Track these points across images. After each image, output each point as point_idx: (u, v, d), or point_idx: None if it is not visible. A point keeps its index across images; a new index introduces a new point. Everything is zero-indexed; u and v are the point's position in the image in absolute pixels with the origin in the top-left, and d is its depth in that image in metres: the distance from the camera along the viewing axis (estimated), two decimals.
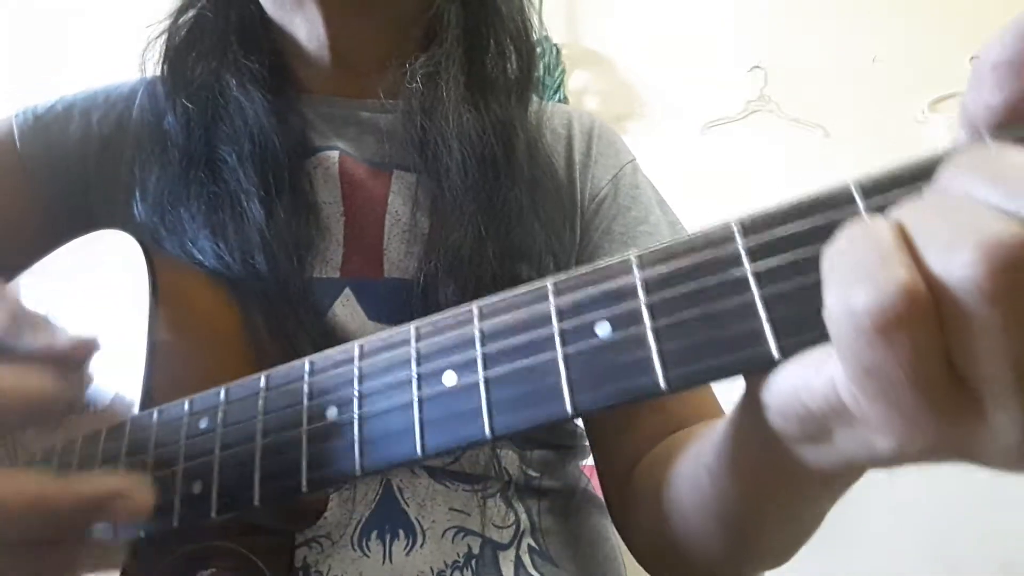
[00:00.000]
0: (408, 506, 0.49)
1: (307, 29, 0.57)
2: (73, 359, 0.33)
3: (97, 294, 0.46)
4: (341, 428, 0.31)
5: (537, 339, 0.27)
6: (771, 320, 0.23)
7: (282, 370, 0.34)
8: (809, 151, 1.85)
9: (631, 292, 0.26)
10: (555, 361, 0.27)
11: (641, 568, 0.53)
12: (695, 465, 0.39)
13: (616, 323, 0.26)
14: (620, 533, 0.56)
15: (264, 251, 0.50)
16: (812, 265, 0.22)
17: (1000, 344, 0.18)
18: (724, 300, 0.24)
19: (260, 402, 0.34)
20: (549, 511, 0.55)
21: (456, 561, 0.48)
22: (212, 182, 0.53)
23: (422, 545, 0.48)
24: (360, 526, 0.48)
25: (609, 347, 0.26)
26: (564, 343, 0.27)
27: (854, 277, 0.19)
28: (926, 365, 0.19)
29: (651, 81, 2.01)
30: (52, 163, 0.59)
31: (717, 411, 0.54)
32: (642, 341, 0.25)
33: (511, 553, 0.51)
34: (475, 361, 0.28)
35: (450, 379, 0.29)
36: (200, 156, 0.54)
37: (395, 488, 0.49)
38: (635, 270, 0.26)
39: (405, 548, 0.48)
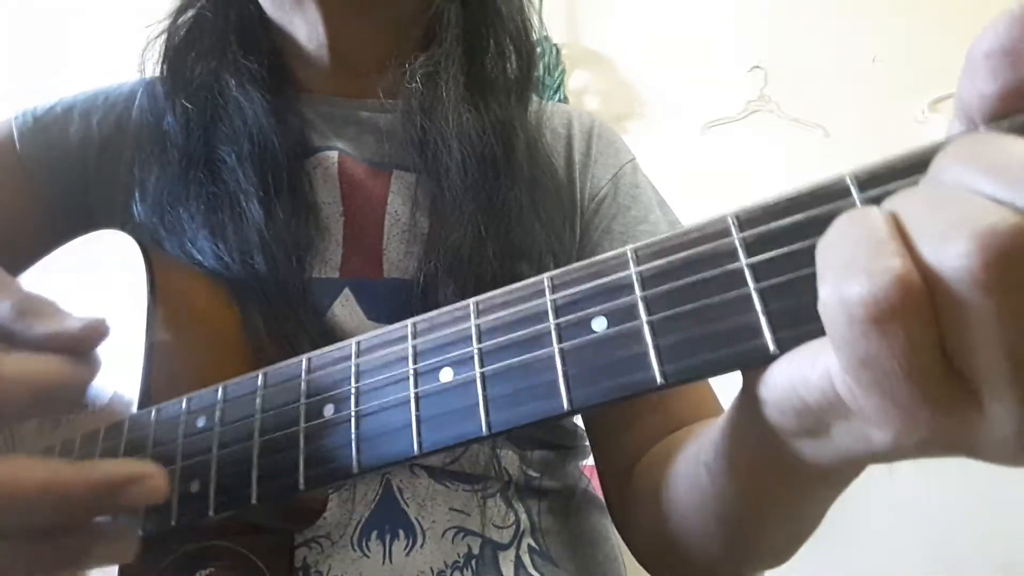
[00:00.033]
0: (408, 506, 0.49)
1: (306, 29, 0.57)
2: (85, 343, 0.32)
3: (96, 294, 0.46)
4: (338, 425, 0.31)
5: (533, 335, 0.27)
6: (767, 313, 0.23)
7: (280, 367, 0.34)
8: (809, 151, 1.85)
9: (627, 287, 0.26)
10: (551, 357, 0.26)
11: (641, 568, 0.53)
12: (694, 464, 0.38)
13: (612, 318, 0.26)
14: (620, 533, 0.56)
15: (263, 251, 0.49)
16: (808, 258, 0.22)
17: (995, 334, 0.18)
18: (720, 294, 0.24)
19: (258, 400, 0.34)
20: (549, 511, 0.55)
21: (456, 561, 0.48)
22: (211, 182, 0.53)
23: (422, 545, 0.48)
24: (360, 526, 0.48)
25: (605, 342, 0.26)
26: (560, 339, 0.27)
27: (848, 268, 0.19)
28: (920, 356, 0.19)
29: (651, 81, 2.01)
30: (52, 164, 0.59)
31: (717, 409, 0.54)
32: (638, 336, 0.25)
33: (511, 553, 0.51)
34: (472, 357, 0.28)
35: (447, 375, 0.29)
36: (199, 156, 0.54)
37: (395, 488, 0.49)
38: (631, 265, 0.26)
39: (405, 548, 0.48)
